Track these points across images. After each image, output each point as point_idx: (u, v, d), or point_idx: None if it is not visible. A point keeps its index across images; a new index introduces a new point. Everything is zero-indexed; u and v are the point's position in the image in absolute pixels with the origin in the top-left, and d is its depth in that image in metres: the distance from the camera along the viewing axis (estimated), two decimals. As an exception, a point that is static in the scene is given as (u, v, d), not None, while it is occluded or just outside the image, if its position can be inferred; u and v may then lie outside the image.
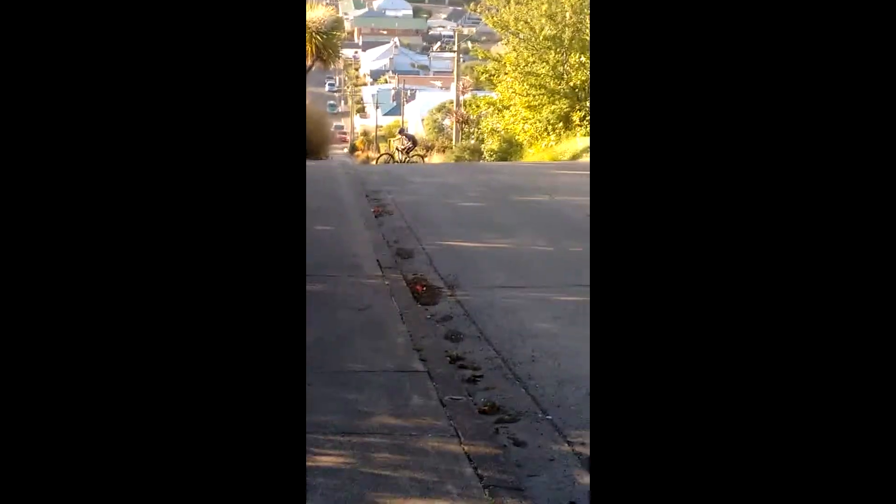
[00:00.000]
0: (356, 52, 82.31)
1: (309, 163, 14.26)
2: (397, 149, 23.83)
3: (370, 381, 4.45)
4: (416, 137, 26.11)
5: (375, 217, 9.31)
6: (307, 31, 21.37)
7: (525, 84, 21.57)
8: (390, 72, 75.85)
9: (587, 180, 2.37)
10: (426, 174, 13.59)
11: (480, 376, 4.74)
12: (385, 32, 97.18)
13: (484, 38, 55.98)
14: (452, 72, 44.34)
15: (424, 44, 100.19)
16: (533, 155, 21.69)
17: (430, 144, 42.09)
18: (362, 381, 4.46)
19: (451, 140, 35.26)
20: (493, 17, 22.14)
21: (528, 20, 20.98)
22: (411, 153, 23.40)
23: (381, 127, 53.20)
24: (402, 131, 26.58)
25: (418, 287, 6.49)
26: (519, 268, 7.26)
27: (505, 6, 21.95)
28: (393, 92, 62.26)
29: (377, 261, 7.08)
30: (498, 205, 10.18)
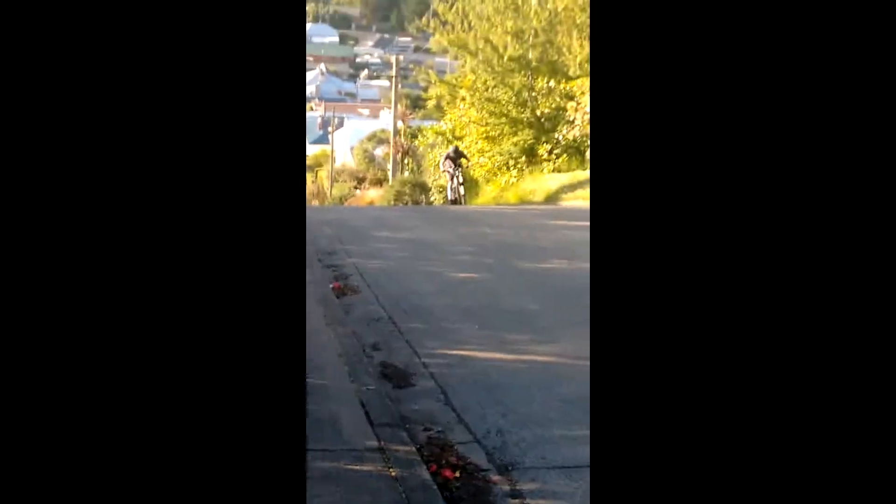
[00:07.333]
0: (280, 78, 78.51)
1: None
2: (449, 179, 17.73)
3: None
4: (458, 151, 18.22)
5: (337, 298, 6.31)
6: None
7: (483, 112, 18.80)
8: (317, 99, 72.55)
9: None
10: (392, 226, 10.59)
11: None
12: (311, 59, 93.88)
13: (412, 65, 53.39)
14: (381, 100, 41.53)
15: (351, 71, 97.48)
16: (491, 193, 18.86)
17: (361, 176, 39.04)
18: None
19: (388, 172, 32.18)
20: (447, 36, 19.27)
21: (490, 38, 18.18)
22: (457, 173, 17.62)
23: (308, 156, 50.03)
24: (448, 156, 18.08)
25: (447, 472, 3.51)
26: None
27: (461, 23, 19.15)
28: (319, 119, 59.06)
29: (361, 404, 4.08)
30: (506, 278, 7.25)
